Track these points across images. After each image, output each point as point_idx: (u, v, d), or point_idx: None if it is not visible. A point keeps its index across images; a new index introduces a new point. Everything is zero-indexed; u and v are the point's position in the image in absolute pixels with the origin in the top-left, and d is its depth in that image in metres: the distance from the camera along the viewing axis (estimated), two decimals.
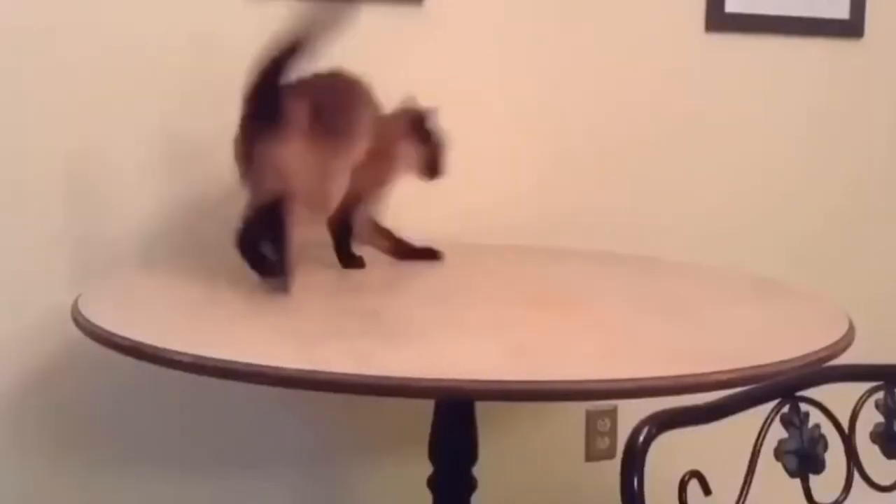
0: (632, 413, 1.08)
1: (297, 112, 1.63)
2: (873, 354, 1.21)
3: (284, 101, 1.62)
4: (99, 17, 1.93)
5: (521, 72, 2.23)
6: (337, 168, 1.70)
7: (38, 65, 1.90)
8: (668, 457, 1.10)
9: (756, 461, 1.10)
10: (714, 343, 1.44)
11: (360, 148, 1.74)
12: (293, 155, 1.62)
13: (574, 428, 2.35)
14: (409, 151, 1.85)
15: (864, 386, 1.20)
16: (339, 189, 1.72)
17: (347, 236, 1.84)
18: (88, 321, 1.43)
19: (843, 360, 1.34)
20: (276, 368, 1.23)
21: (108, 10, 1.93)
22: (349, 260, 1.84)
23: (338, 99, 1.73)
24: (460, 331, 1.48)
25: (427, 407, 1.76)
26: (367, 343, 1.38)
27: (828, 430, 1.14)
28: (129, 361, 1.35)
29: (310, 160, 1.65)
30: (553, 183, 2.28)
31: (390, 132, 1.82)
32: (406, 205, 1.86)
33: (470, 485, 1.78)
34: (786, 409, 1.12)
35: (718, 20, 2.38)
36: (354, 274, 1.78)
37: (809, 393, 1.14)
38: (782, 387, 1.14)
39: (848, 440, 1.16)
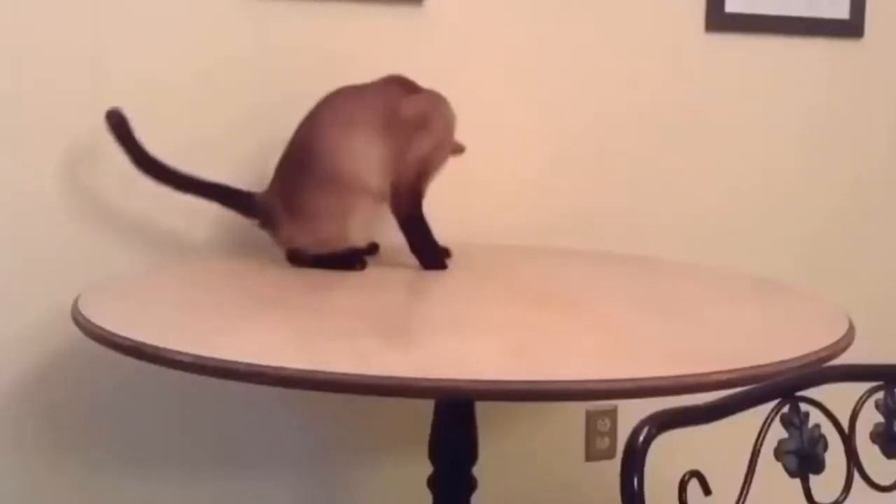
0: (632, 413, 1.08)
1: (273, 205, 1.80)
2: (873, 354, 1.21)
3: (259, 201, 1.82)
4: (99, 17, 1.93)
5: (520, 72, 2.23)
6: (328, 215, 1.78)
7: (37, 63, 1.90)
8: (668, 457, 1.10)
9: (756, 461, 1.10)
10: (714, 343, 1.44)
11: (355, 180, 1.78)
12: (286, 232, 1.81)
13: (574, 428, 2.35)
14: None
15: (864, 386, 1.20)
16: (340, 227, 1.79)
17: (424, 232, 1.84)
18: (88, 321, 1.43)
19: (843, 360, 1.34)
20: (277, 368, 1.23)
21: (108, 11, 1.93)
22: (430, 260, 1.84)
23: (297, 165, 1.80)
24: (460, 331, 1.48)
25: (427, 407, 1.76)
26: (367, 343, 1.39)
27: (828, 430, 1.14)
28: (129, 361, 1.35)
29: (299, 223, 1.78)
30: (553, 183, 2.28)
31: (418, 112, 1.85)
32: None
33: (470, 485, 1.78)
34: (786, 409, 1.12)
35: (718, 20, 2.38)
36: (352, 274, 1.78)
37: (809, 393, 1.14)
38: (782, 387, 1.14)
39: (848, 440, 1.16)
